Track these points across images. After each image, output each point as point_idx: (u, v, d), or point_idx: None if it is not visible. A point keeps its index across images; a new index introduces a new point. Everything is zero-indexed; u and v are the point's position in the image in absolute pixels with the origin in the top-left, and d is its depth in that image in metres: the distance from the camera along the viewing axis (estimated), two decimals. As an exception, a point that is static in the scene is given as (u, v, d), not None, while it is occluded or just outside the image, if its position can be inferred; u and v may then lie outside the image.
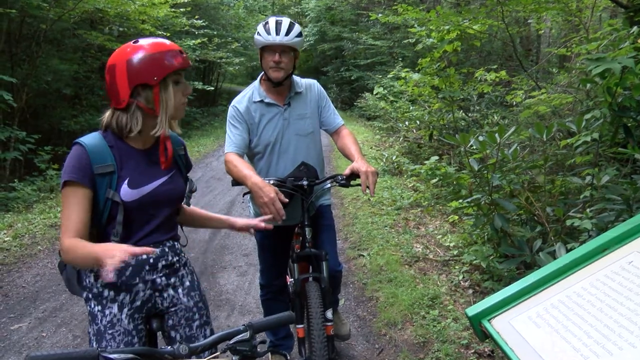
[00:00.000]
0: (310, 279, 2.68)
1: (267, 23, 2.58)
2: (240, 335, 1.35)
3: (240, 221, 2.09)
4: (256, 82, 2.77)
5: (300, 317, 2.63)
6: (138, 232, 1.75)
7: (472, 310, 1.64)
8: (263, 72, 2.71)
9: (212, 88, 16.82)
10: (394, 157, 8.98)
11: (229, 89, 25.00)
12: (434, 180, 6.52)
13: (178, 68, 1.71)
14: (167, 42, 1.74)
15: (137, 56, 1.64)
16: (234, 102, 2.72)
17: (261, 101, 2.69)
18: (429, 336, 3.43)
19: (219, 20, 17.37)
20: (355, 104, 16.43)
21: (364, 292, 4.21)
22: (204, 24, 13.17)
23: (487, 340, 3.24)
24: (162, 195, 1.78)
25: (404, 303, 3.86)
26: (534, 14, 7.40)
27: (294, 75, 2.74)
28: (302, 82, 2.82)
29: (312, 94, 2.82)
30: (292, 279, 3.33)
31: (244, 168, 2.45)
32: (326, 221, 2.94)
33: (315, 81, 2.92)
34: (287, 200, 2.35)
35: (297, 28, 2.61)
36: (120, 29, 10.32)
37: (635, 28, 3.68)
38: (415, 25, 7.89)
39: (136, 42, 1.69)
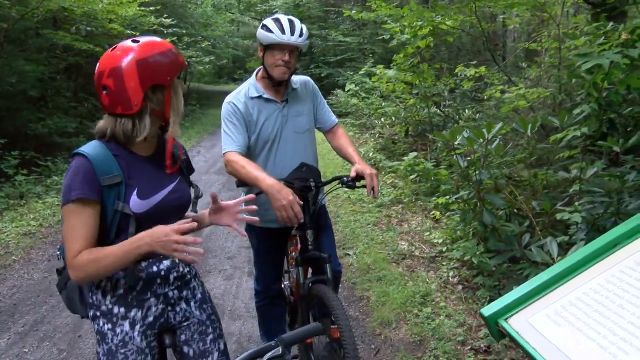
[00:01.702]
0: (315, 282, 2.59)
1: (278, 20, 2.51)
2: (273, 352, 1.29)
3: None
4: (252, 79, 2.70)
5: (307, 322, 2.58)
6: None
7: (488, 311, 1.61)
8: (260, 69, 2.64)
9: (182, 88, 16.56)
10: (370, 154, 8.98)
11: (197, 89, 24.65)
12: (413, 177, 6.56)
13: (183, 67, 1.65)
14: (164, 40, 1.66)
15: (148, 56, 1.55)
16: (230, 98, 2.63)
17: (259, 97, 2.61)
18: (425, 334, 3.42)
19: (188, 19, 17.08)
20: (326, 100, 16.41)
21: (354, 292, 4.18)
22: (173, 22, 12.92)
23: (486, 338, 3.25)
24: (172, 204, 1.70)
25: (396, 302, 3.84)
26: (507, 9, 7.49)
27: None
28: (297, 79, 2.77)
29: (307, 91, 2.78)
30: (286, 283, 3.28)
31: (254, 169, 2.36)
32: (325, 222, 2.90)
33: (309, 78, 2.87)
34: (302, 202, 2.29)
35: (306, 30, 2.58)
36: (88, 28, 10.03)
37: (610, 24, 3.73)
38: (389, 22, 7.90)
39: (136, 41, 1.59)
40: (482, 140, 3.65)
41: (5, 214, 6.42)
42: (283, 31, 2.47)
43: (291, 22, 2.52)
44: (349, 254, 4.98)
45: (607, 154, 3.86)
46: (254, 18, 32.20)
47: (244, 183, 2.44)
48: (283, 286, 3.14)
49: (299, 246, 2.77)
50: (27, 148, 9.18)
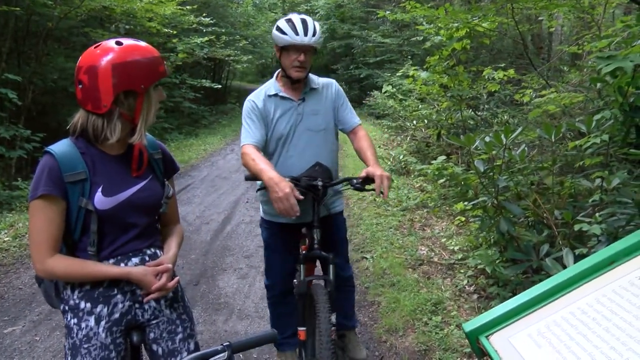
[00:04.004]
0: (317, 281, 2.65)
1: (290, 20, 2.56)
2: (218, 356, 1.25)
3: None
4: (273, 79, 2.77)
5: (302, 319, 2.58)
6: (115, 242, 1.66)
7: (469, 326, 1.53)
8: (280, 70, 2.70)
9: (221, 86, 16.74)
10: (401, 157, 8.84)
11: (238, 87, 24.94)
12: (441, 181, 6.40)
13: (163, 76, 1.65)
14: (150, 46, 1.66)
15: (125, 61, 1.55)
16: (251, 96, 2.73)
17: (276, 95, 2.68)
18: (431, 344, 3.32)
19: (228, 18, 17.28)
20: (364, 102, 16.31)
21: (365, 296, 4.10)
22: (212, 21, 13.07)
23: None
24: (139, 202, 1.69)
25: (406, 308, 3.75)
26: (545, 11, 7.22)
27: (310, 73, 2.74)
28: (319, 80, 2.81)
29: (329, 92, 2.80)
30: (296, 280, 3.26)
31: (261, 162, 2.41)
32: (340, 233, 2.94)
33: (334, 81, 2.90)
34: (302, 197, 2.31)
35: (319, 27, 2.61)
36: (127, 26, 10.27)
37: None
38: (424, 23, 7.76)
39: (119, 43, 1.59)
40: (501, 145, 3.52)
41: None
42: (296, 32, 2.51)
43: (304, 22, 2.55)
44: (365, 257, 4.90)
45: (632, 162, 3.65)
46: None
47: (252, 176, 2.51)
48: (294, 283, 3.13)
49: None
50: (67, 142, 9.47)
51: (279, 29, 2.56)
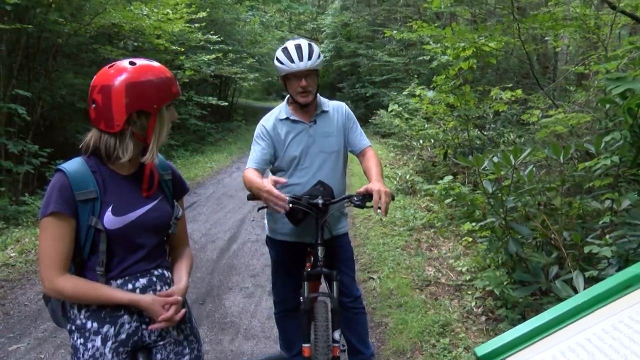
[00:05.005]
0: (320, 298, 2.70)
1: (286, 49, 2.62)
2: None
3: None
4: (284, 102, 2.84)
5: (307, 336, 2.60)
6: (124, 262, 1.67)
7: (481, 350, 1.51)
8: (290, 95, 2.75)
9: (227, 104, 16.83)
10: (407, 176, 8.84)
11: (244, 105, 25.08)
12: (448, 201, 6.39)
13: (175, 97, 1.67)
14: (163, 67, 1.68)
15: (138, 81, 1.57)
16: (262, 121, 2.82)
17: (287, 118, 2.75)
18: (439, 366, 3.29)
19: (235, 36, 17.42)
20: (370, 120, 16.34)
21: (372, 317, 4.07)
22: (219, 39, 13.18)
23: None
24: (148, 223, 1.70)
25: (413, 330, 3.71)
26: (551, 31, 7.26)
27: (319, 95, 2.80)
28: (330, 103, 2.88)
29: (339, 115, 2.85)
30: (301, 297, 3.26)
31: (256, 178, 2.51)
32: (345, 253, 2.95)
33: (343, 104, 2.95)
34: (288, 207, 2.36)
35: (316, 49, 2.65)
36: (135, 43, 10.38)
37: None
38: (431, 42, 7.80)
39: (133, 63, 1.61)
40: (509, 166, 3.52)
41: (44, 221, 6.63)
42: (291, 59, 2.57)
43: (298, 47, 2.60)
44: (372, 278, 4.88)
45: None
46: (304, 36, 32.69)
47: (253, 196, 2.57)
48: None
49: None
50: (74, 157, 9.53)
51: (277, 59, 2.64)
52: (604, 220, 3.26)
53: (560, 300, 3.10)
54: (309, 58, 2.56)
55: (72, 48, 10.09)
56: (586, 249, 3.08)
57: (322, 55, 2.69)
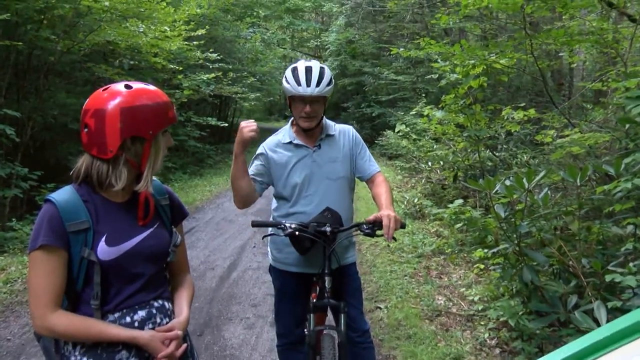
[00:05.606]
0: (326, 331, 2.64)
1: (296, 70, 2.60)
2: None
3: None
4: (287, 125, 2.83)
5: None
6: (120, 293, 1.63)
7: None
8: (293, 117, 2.74)
9: (227, 124, 16.92)
10: (416, 200, 8.81)
11: (244, 125, 25.14)
12: (458, 225, 6.35)
13: (172, 122, 1.66)
14: (159, 90, 1.67)
15: (133, 105, 1.56)
16: (265, 142, 2.81)
17: (290, 142, 2.73)
18: (451, 404, 3.21)
19: (235, 54, 17.57)
20: (376, 142, 16.38)
21: (380, 349, 3.99)
22: (218, 57, 13.29)
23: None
24: (145, 252, 1.66)
25: (423, 364, 3.64)
26: (566, 46, 7.28)
27: (326, 118, 2.78)
28: (336, 127, 2.85)
29: (345, 139, 2.82)
30: (306, 330, 3.21)
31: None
32: (353, 283, 2.90)
33: (350, 127, 2.93)
34: (255, 126, 2.44)
35: (327, 75, 2.62)
36: (131, 62, 10.46)
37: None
38: (439, 60, 7.83)
39: (128, 87, 1.60)
40: (523, 189, 3.48)
41: (32, 248, 6.59)
42: (299, 82, 2.55)
43: (308, 70, 2.58)
44: (379, 307, 4.81)
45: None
46: (306, 54, 32.99)
47: (260, 222, 2.62)
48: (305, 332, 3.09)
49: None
50: (65, 180, 9.48)
51: (286, 79, 2.62)
52: (626, 247, 3.21)
53: (580, 332, 3.03)
54: (317, 85, 2.54)
55: (65, 66, 10.18)
56: (607, 278, 3.02)
57: (333, 81, 2.66)
